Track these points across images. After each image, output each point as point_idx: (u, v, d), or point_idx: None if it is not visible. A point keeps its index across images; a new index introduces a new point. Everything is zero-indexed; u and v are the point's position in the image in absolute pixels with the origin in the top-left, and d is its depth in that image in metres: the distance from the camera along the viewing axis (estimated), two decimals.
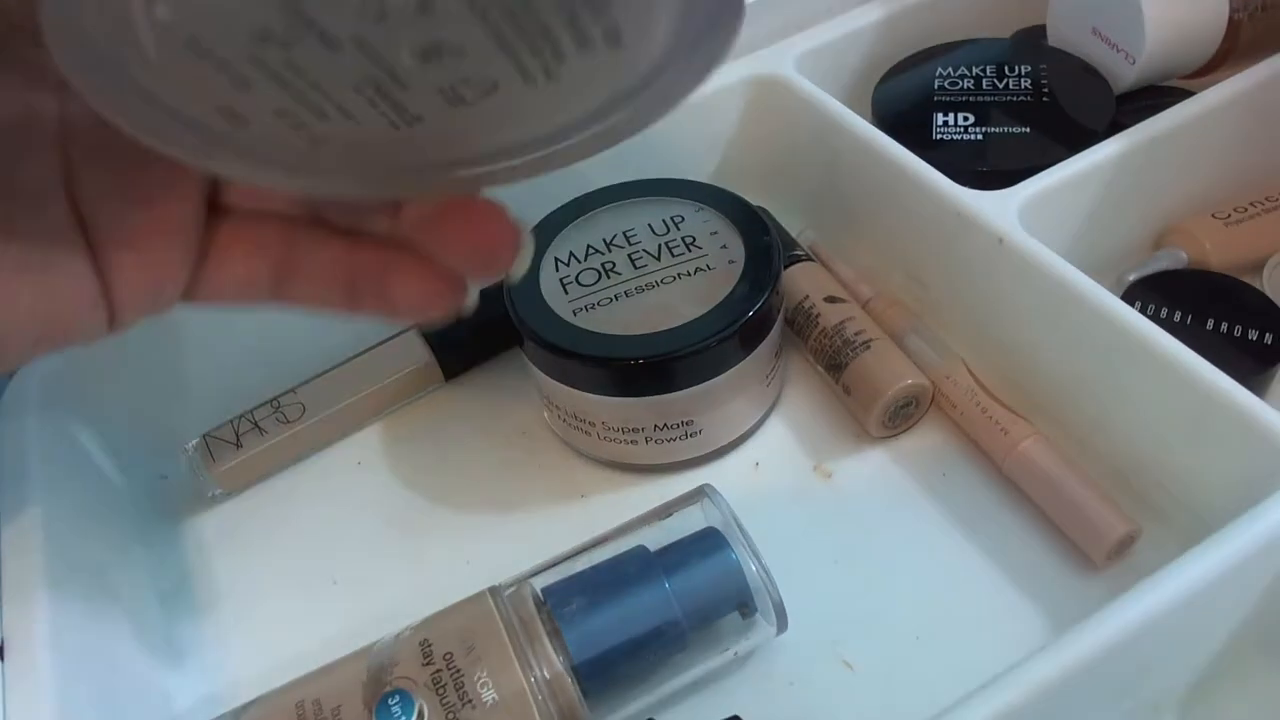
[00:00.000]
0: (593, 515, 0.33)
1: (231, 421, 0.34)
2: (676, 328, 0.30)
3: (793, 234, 0.38)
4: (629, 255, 0.33)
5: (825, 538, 0.31)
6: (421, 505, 0.34)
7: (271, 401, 0.35)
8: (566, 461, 0.34)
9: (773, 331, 0.32)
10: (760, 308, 0.30)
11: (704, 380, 0.31)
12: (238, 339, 0.36)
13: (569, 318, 0.31)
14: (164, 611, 0.31)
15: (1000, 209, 0.31)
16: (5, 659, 0.25)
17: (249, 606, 0.32)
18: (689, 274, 0.32)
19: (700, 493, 0.29)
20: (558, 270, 0.32)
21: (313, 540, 0.33)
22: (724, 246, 0.32)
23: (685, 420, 0.32)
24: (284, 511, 0.34)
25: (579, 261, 0.33)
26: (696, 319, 0.30)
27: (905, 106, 0.39)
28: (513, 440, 0.35)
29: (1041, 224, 0.31)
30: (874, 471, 0.32)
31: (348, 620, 0.31)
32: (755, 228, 0.33)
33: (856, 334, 0.33)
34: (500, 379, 0.37)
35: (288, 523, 0.34)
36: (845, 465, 0.33)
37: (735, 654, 0.28)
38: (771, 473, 0.33)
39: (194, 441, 0.34)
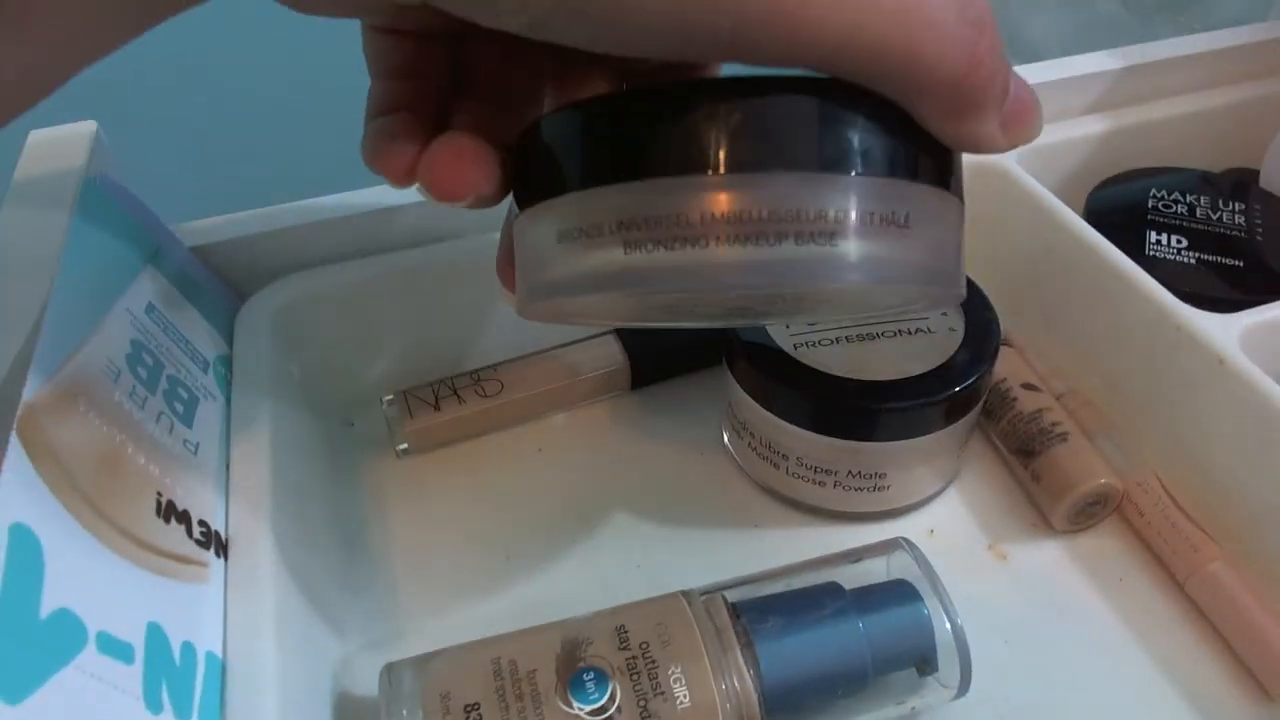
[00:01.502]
0: (765, 547, 0.33)
1: (432, 385, 0.35)
2: (894, 380, 0.31)
3: None
4: None
5: (995, 617, 0.31)
6: (595, 501, 0.35)
7: (473, 373, 0.36)
8: (742, 490, 0.35)
9: (978, 406, 0.33)
10: (977, 381, 0.31)
11: (905, 437, 0.31)
12: (445, 309, 0.37)
13: (789, 349, 0.32)
14: (343, 551, 0.32)
15: (1224, 331, 0.32)
16: (230, 557, 0.26)
17: (420, 564, 0.33)
18: (909, 332, 0.33)
19: (894, 544, 0.29)
20: None
21: (489, 512, 0.34)
22: (944, 314, 0.33)
23: (879, 473, 0.32)
24: (464, 480, 0.35)
25: None
26: (913, 376, 0.31)
27: (1119, 218, 0.40)
28: (690, 459, 0.36)
29: (1260, 352, 0.32)
30: (1050, 562, 0.33)
31: (516, 597, 0.32)
32: (978, 302, 0.33)
33: (1053, 424, 0.34)
34: (684, 398, 0.38)
35: (466, 491, 0.35)
36: (1021, 550, 0.33)
37: (913, 709, 0.28)
38: (946, 542, 0.33)
39: (393, 395, 0.35)
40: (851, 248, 0.18)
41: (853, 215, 0.18)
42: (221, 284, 0.34)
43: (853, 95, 0.18)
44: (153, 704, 0.21)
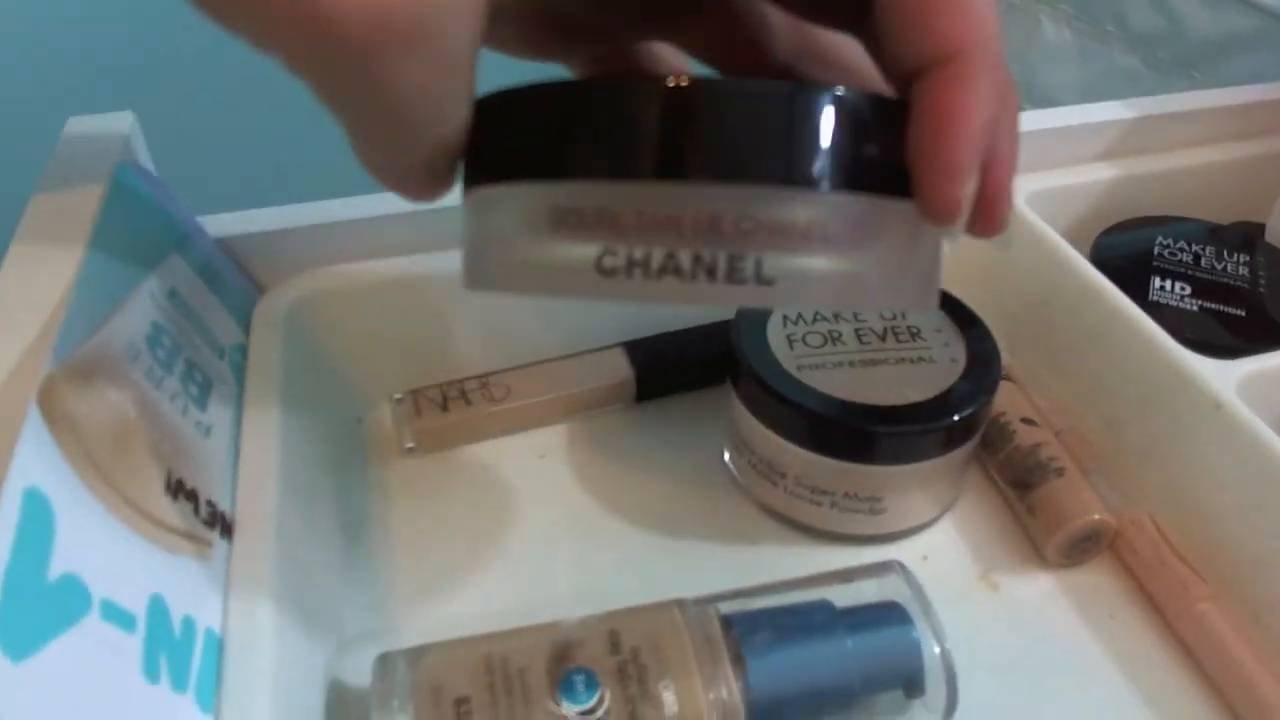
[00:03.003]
0: (760, 563, 0.34)
1: (441, 385, 0.36)
2: (896, 405, 0.31)
3: None
4: (855, 330, 0.34)
5: (985, 646, 0.31)
6: (594, 509, 0.35)
7: (481, 377, 0.36)
8: (740, 507, 0.35)
9: (976, 436, 0.33)
10: (976, 411, 0.32)
11: (903, 462, 0.32)
12: (457, 313, 0.38)
13: (793, 370, 0.32)
14: (344, 542, 0.33)
15: (1223, 376, 0.32)
16: (234, 538, 0.27)
17: (419, 560, 0.33)
18: (912, 360, 0.33)
19: (887, 567, 0.30)
20: (785, 326, 0.34)
21: (490, 514, 0.35)
22: (947, 345, 0.34)
23: (875, 497, 0.32)
24: (467, 481, 0.36)
25: (806, 323, 0.34)
26: (916, 403, 0.31)
27: (1124, 263, 0.40)
28: (688, 474, 0.36)
29: (1258, 400, 0.32)
30: (1041, 595, 0.33)
31: (512, 598, 0.32)
32: (979, 333, 0.34)
33: (1050, 459, 0.34)
34: (687, 413, 0.38)
35: (469, 492, 0.35)
36: (1013, 582, 0.33)
37: None
38: (939, 569, 0.34)
39: (403, 394, 0.36)
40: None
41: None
42: (243, 276, 0.35)
43: (803, 100, 0.18)
44: (151, 673, 0.22)
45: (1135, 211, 0.44)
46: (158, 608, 0.23)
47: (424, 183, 0.21)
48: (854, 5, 0.21)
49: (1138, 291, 0.39)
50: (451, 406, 0.35)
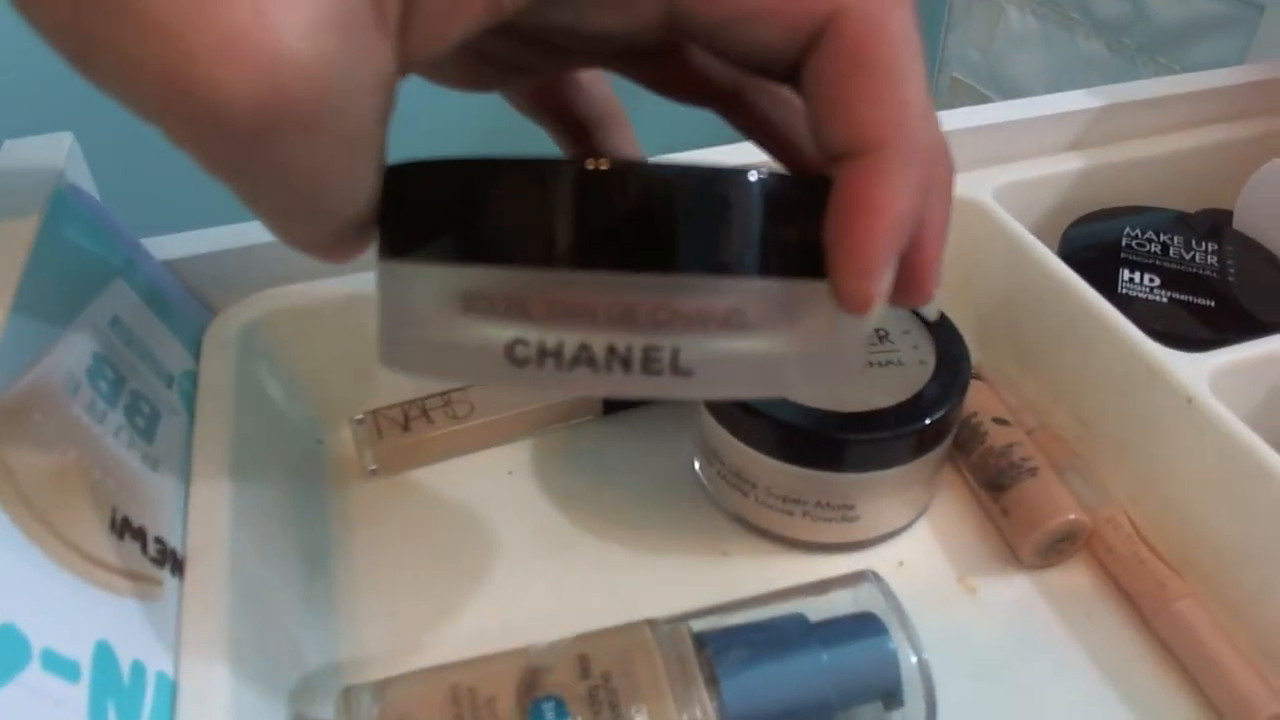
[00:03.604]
0: (733, 575, 0.33)
1: (403, 405, 0.35)
2: (864, 412, 0.31)
3: None
4: None
5: (963, 650, 0.31)
6: (564, 525, 0.34)
7: (443, 395, 0.36)
8: (711, 518, 0.35)
9: (947, 439, 0.33)
10: (947, 414, 0.31)
11: (875, 469, 0.31)
12: None
13: None
14: (305, 570, 0.32)
15: (1193, 370, 0.32)
16: (185, 575, 0.26)
17: (384, 586, 0.32)
18: (880, 364, 0.33)
19: (861, 576, 0.29)
20: None
21: (456, 535, 0.34)
22: (915, 346, 0.33)
23: (847, 504, 0.32)
24: (432, 502, 0.35)
25: None
26: (884, 409, 0.31)
27: (1093, 255, 0.40)
28: (659, 485, 0.36)
29: (1230, 393, 0.32)
30: (1019, 597, 0.32)
31: (482, 619, 0.31)
32: (948, 335, 0.34)
33: (1023, 459, 0.34)
34: (655, 426, 0.38)
35: (434, 513, 0.34)
36: (990, 584, 0.33)
37: None
38: (915, 575, 0.33)
39: (363, 415, 0.35)
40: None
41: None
42: (193, 299, 0.34)
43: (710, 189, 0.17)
44: None
45: (1104, 202, 0.44)
46: (104, 654, 0.22)
47: (334, 250, 0.20)
48: (784, 75, 0.20)
49: (1107, 284, 0.38)
50: (414, 425, 0.35)
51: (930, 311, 0.22)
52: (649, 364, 0.17)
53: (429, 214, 0.18)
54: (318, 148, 0.16)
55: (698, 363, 0.18)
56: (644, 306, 0.17)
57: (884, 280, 0.18)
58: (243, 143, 0.15)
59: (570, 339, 0.17)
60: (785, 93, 0.23)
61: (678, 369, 0.18)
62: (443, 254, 0.18)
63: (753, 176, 0.18)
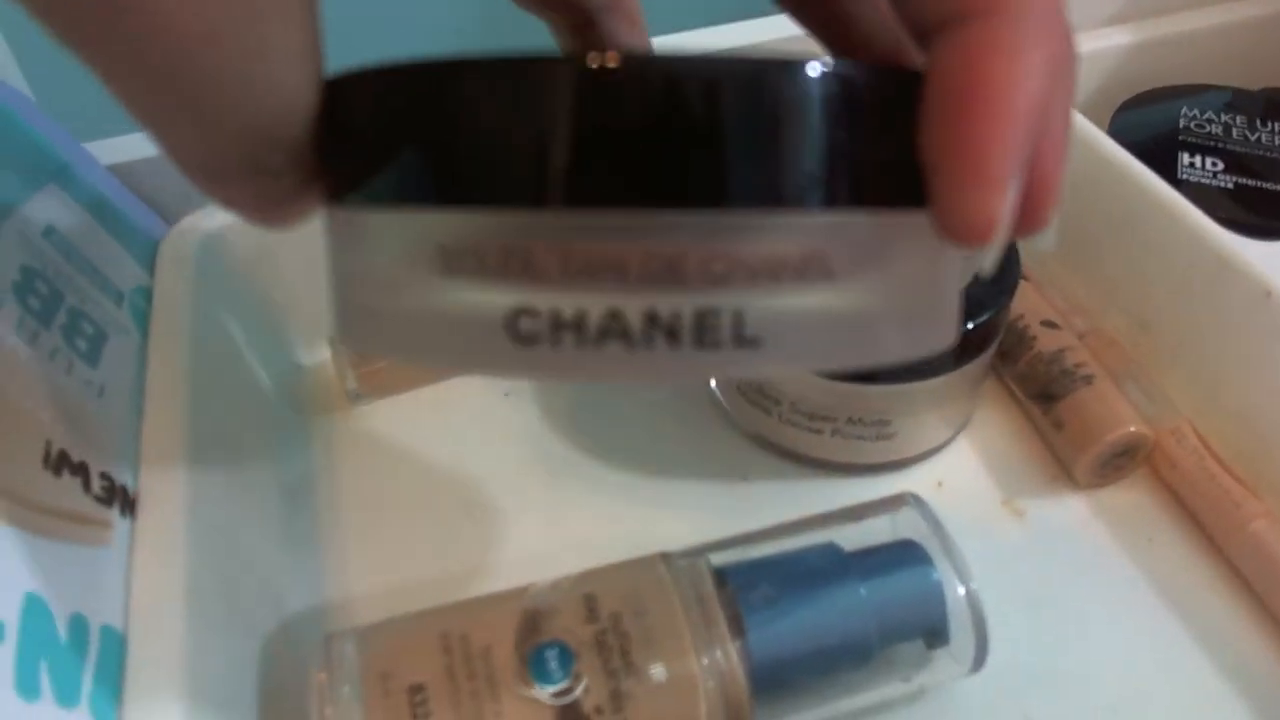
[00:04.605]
0: (755, 502, 0.30)
1: None
2: None
3: None
4: None
5: (1013, 580, 0.28)
6: (567, 451, 0.31)
7: None
8: (729, 439, 0.32)
9: (993, 345, 0.29)
10: (993, 316, 0.28)
11: (912, 380, 0.28)
12: None
13: None
14: (284, 506, 0.29)
15: (1271, 260, 0.28)
16: (138, 516, 0.23)
17: (372, 520, 0.29)
18: None
19: (899, 500, 0.26)
20: None
21: (450, 465, 0.31)
22: None
23: (882, 419, 0.29)
24: (423, 427, 0.32)
25: None
26: None
27: (1147, 139, 0.36)
28: (672, 404, 0.33)
29: None
30: (1073, 520, 0.29)
31: (478, 555, 0.29)
32: None
33: (1076, 365, 0.30)
34: None
35: (425, 440, 0.31)
36: (1040, 506, 0.30)
37: (920, 686, 0.25)
38: (956, 497, 0.30)
39: None
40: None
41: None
42: (145, 208, 0.31)
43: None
44: (26, 689, 0.18)
45: (1154, 81, 0.40)
46: (35, 609, 0.19)
47: (258, 192, 0.14)
48: None
49: (1165, 170, 0.34)
50: None
51: (1047, 240, 0.16)
52: (704, 333, 0.13)
53: (387, 138, 0.13)
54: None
55: (768, 328, 0.13)
56: (693, 256, 0.13)
57: (1010, 194, 0.13)
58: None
59: (594, 305, 0.13)
60: None
61: (742, 338, 0.13)
62: (410, 193, 0.13)
63: (817, 68, 0.13)
